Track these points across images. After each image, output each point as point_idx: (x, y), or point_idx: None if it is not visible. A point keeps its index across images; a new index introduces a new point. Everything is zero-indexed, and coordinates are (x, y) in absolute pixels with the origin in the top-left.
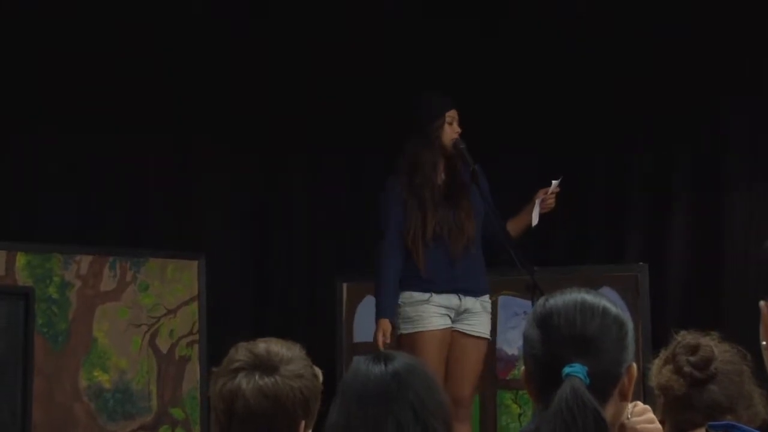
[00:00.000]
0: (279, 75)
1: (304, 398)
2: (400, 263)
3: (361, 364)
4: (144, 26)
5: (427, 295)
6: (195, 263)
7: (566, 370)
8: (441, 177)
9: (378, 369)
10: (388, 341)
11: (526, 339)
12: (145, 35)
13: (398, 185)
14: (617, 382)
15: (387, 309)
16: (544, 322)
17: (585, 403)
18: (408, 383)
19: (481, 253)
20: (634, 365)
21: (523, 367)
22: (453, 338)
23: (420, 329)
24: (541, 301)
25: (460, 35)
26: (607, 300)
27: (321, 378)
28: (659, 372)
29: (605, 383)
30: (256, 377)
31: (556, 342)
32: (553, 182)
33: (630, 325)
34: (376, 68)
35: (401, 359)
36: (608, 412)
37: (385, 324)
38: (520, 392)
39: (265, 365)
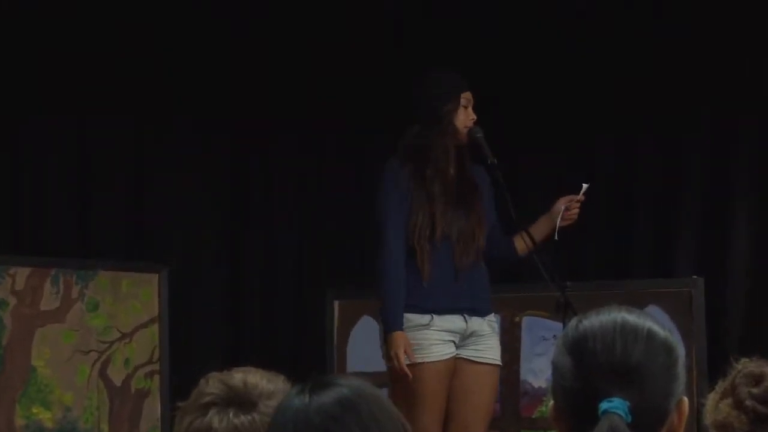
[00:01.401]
0: (279, 75)
1: None
2: (404, 267)
3: (287, 395)
4: (144, 26)
5: (427, 318)
6: (155, 277)
7: (604, 405)
8: (451, 172)
9: (299, 402)
10: (414, 359)
11: (556, 368)
12: (145, 35)
13: (404, 173)
14: (665, 419)
15: (399, 319)
16: (578, 348)
17: None
18: (342, 419)
19: (486, 268)
20: (686, 399)
21: (551, 403)
22: (458, 367)
23: (419, 360)
24: (573, 322)
25: (460, 35)
26: (653, 321)
27: None
28: (716, 407)
29: (651, 421)
30: (231, 415)
31: (591, 371)
32: (584, 186)
33: (681, 351)
34: (376, 68)
35: (336, 388)
36: None
37: (403, 338)
38: None
39: (242, 400)
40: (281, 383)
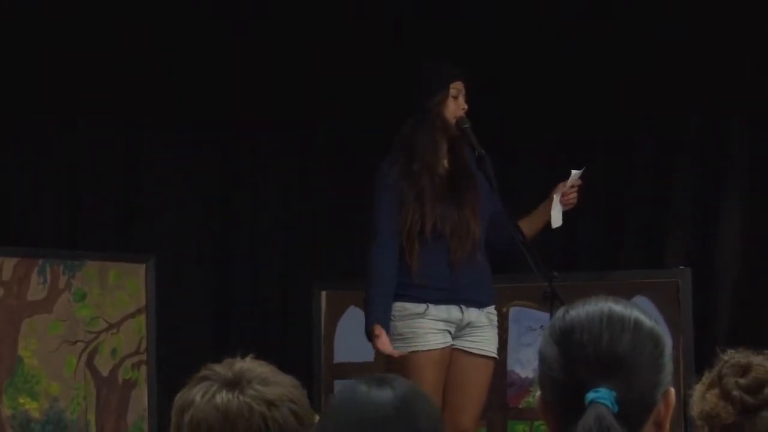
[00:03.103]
0: (279, 75)
1: (265, 428)
2: (396, 266)
3: (360, 386)
4: (144, 26)
5: (422, 307)
6: (142, 267)
7: (590, 395)
8: (443, 164)
9: (384, 394)
10: (392, 350)
11: (543, 359)
12: (145, 35)
13: (394, 172)
14: (651, 409)
15: (379, 315)
16: (564, 339)
17: None
18: (416, 411)
19: (487, 260)
20: (672, 390)
21: (538, 393)
22: (453, 358)
23: (414, 349)
24: (560, 313)
25: (460, 35)
26: (640, 311)
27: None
28: (703, 398)
29: (637, 411)
30: (214, 389)
31: (578, 362)
32: (573, 173)
33: (668, 341)
34: (376, 68)
35: (403, 382)
36: None
37: (380, 330)
38: (536, 423)
39: (232, 381)
40: (289, 381)
